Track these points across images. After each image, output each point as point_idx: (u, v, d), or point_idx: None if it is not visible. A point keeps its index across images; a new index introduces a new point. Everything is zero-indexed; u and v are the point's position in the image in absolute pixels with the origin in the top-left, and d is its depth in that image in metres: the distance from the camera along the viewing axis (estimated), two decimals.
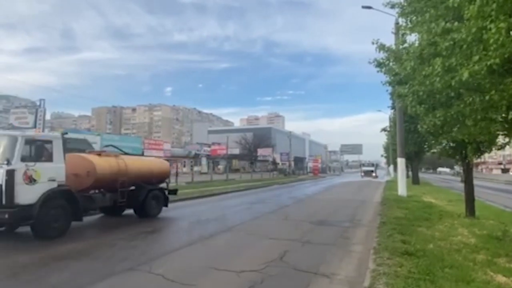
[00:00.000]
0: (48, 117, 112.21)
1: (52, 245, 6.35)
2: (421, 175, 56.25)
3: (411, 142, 25.43)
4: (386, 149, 52.77)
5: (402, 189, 16.40)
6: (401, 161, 16.75)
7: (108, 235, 7.66)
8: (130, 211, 9.93)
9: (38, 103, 14.89)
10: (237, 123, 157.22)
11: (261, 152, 59.62)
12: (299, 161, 78.01)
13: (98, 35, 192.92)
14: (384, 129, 35.45)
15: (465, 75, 4.20)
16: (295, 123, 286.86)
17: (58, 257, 5.65)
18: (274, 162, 64.45)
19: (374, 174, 47.82)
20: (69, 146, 15.68)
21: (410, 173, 34.29)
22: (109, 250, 6.20)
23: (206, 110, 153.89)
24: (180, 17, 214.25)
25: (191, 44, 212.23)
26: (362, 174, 49.27)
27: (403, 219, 9.19)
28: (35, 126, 14.14)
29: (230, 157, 51.05)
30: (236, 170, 39.15)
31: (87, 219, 8.44)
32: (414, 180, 31.11)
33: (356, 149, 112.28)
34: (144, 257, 5.69)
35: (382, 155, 68.88)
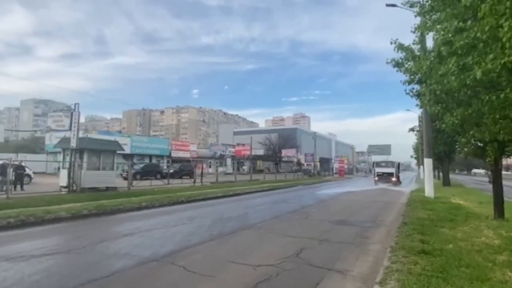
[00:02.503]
0: (82, 120, 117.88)
1: (106, 228, 6.88)
2: (454, 176, 53.13)
3: (440, 142, 24.58)
4: (416, 150, 50.64)
5: (429, 190, 15.98)
6: (428, 162, 16.31)
7: (131, 227, 8.14)
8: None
9: (73, 107, 15.87)
10: (262, 124, 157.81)
11: (285, 152, 59.54)
12: (325, 162, 77.01)
13: (129, 40, 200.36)
14: (412, 129, 34.36)
15: (478, 73, 4.20)
16: (322, 124, 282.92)
17: (112, 238, 6.15)
18: (298, 163, 64.12)
19: (394, 179, 30.49)
20: (102, 148, 16.67)
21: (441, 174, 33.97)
22: (134, 239, 6.65)
23: (232, 112, 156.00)
24: (207, 20, 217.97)
25: (218, 46, 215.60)
26: (376, 178, 31.41)
27: (426, 220, 9.05)
28: (70, 129, 15.06)
29: (254, 158, 51.44)
30: (260, 171, 39.34)
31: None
32: (445, 182, 29.99)
33: (384, 149, 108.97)
34: (167, 249, 6.06)
35: (412, 156, 66.57)
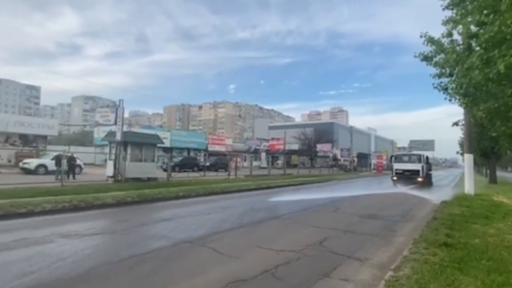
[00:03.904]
0: (126, 115, 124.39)
1: (146, 214, 7.65)
2: (505, 174, 49.02)
3: (486, 137, 23.14)
4: (462, 145, 47.80)
5: (469, 187, 15.29)
6: (468, 157, 15.59)
7: (169, 214, 8.84)
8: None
9: (118, 103, 17.12)
10: (298, 119, 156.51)
11: (320, 147, 58.91)
12: (363, 157, 75.00)
13: (169, 38, 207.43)
14: (456, 123, 32.57)
15: (501, 67, 4.20)
16: (361, 118, 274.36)
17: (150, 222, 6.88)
18: (335, 158, 63.13)
19: (420, 179, 21.10)
20: (144, 141, 17.82)
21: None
22: (171, 224, 7.30)
23: (268, 106, 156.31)
24: (243, 15, 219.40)
25: (254, 40, 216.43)
26: (394, 178, 22.19)
27: (458, 216, 8.85)
28: (115, 123, 16.28)
29: (289, 153, 51.52)
30: (295, 166, 39.42)
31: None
32: (491, 179, 28.26)
33: (427, 145, 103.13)
34: (200, 233, 6.63)
35: (457, 152, 62.91)
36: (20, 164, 20.69)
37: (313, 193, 16.31)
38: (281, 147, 44.95)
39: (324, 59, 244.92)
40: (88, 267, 4.52)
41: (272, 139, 51.72)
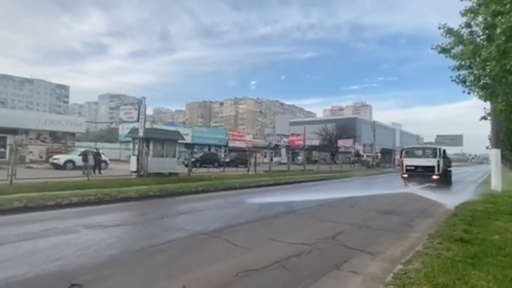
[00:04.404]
0: (151, 112, 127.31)
1: (166, 207, 7.97)
2: None
3: None
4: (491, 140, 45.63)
5: (496, 183, 14.74)
6: (495, 152, 15.00)
7: (187, 207, 9.12)
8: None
9: (141, 101, 17.68)
10: (320, 114, 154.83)
11: (341, 143, 58.13)
12: (387, 153, 73.30)
13: (190, 36, 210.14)
14: (484, 117, 31.17)
15: None
16: (385, 113, 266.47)
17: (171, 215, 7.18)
18: (357, 154, 62.11)
19: (435, 177, 17.53)
20: (165, 137, 18.32)
21: None
22: (189, 217, 7.56)
23: (289, 102, 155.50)
24: (264, 10, 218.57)
25: (275, 36, 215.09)
26: (405, 175, 18.60)
27: (480, 212, 8.61)
28: (138, 120, 16.83)
29: (309, 148, 51.19)
30: (315, 162, 39.15)
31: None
32: None
33: (455, 140, 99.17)
34: (215, 225, 6.83)
35: (487, 147, 60.32)
36: (50, 159, 21.81)
37: (331, 188, 16.24)
38: (301, 142, 44.71)
39: (346, 52, 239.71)
40: (109, 255, 4.81)
41: (292, 134, 51.49)
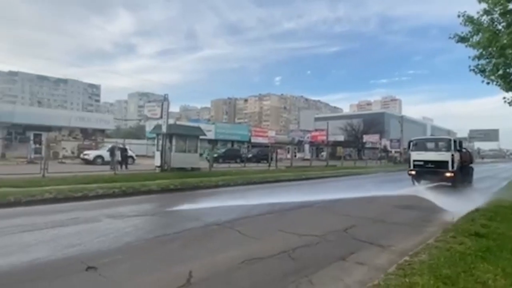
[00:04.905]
0: (177, 109, 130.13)
1: (185, 200, 8.29)
2: None
3: None
4: None
5: None
6: None
7: (205, 200, 9.36)
8: None
9: (164, 98, 18.21)
10: (346, 110, 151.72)
11: (367, 138, 56.76)
12: None
13: (215, 33, 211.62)
14: None
15: None
16: (415, 107, 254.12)
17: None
18: (384, 150, 60.44)
19: (448, 174, 14.20)
20: (188, 133, 18.78)
21: None
22: (206, 210, 7.79)
23: (314, 97, 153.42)
24: (289, 5, 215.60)
25: (300, 30, 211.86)
26: (412, 171, 15.45)
27: (505, 208, 8.22)
28: (161, 117, 17.36)
29: (334, 144, 50.48)
30: (339, 157, 38.58)
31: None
32: None
33: (490, 135, 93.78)
34: (229, 217, 7.01)
35: None
36: (81, 155, 22.97)
37: (352, 184, 16.02)
38: (324, 138, 44.15)
39: (375, 46, 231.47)
40: (126, 242, 5.10)
41: (316, 130, 50.92)
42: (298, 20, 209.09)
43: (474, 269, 3.76)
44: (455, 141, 14.80)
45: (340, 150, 48.93)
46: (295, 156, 41.52)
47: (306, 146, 46.90)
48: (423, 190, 12.79)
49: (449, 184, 14.52)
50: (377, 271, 4.05)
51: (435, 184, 14.62)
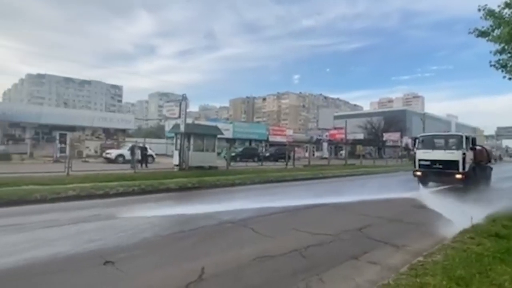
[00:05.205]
0: (196, 109, 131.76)
1: (200, 197, 8.46)
2: None
3: None
4: None
5: None
6: None
7: (220, 198, 9.48)
8: None
9: (184, 98, 18.53)
10: (367, 107, 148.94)
11: (387, 136, 55.54)
12: None
13: (234, 32, 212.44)
14: None
15: None
16: (439, 104, 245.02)
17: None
18: (406, 148, 58.94)
19: (459, 175, 12.38)
20: (205, 132, 19.03)
21: None
22: (220, 208, 7.90)
23: (333, 95, 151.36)
24: (307, 3, 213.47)
25: (319, 28, 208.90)
26: (418, 172, 13.69)
27: None
28: (179, 117, 17.67)
29: (354, 142, 49.68)
30: (359, 156, 37.96)
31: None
32: None
33: None
34: (244, 215, 7.08)
35: None
36: (103, 154, 23.72)
37: (369, 183, 15.77)
38: (342, 136, 43.54)
39: (396, 41, 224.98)
40: (143, 238, 5.27)
41: (335, 128, 50.26)
42: (317, 17, 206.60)
43: (490, 270, 3.66)
44: (467, 138, 12.93)
45: (359, 148, 48.16)
46: (314, 155, 41.19)
47: (325, 145, 46.39)
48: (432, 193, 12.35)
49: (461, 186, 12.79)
50: (390, 270, 4.01)
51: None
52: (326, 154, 41.96)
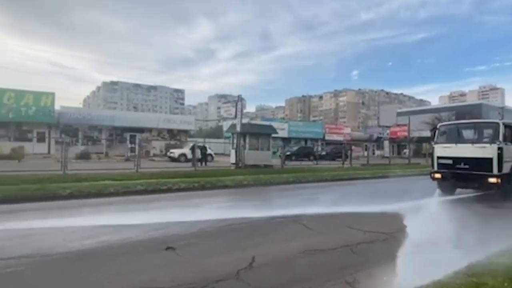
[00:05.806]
0: (253, 109, 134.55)
1: (254, 194, 8.84)
2: None
3: None
4: None
5: None
6: None
7: (273, 195, 9.68)
8: None
9: (241, 99, 19.19)
10: (435, 102, 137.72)
11: None
12: None
13: (289, 31, 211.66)
14: None
15: None
16: None
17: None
18: None
19: (492, 179, 8.63)
20: (260, 131, 19.46)
21: None
22: (272, 204, 8.13)
23: (396, 91, 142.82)
24: None
25: (379, 20, 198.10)
26: (437, 174, 9.90)
27: None
28: (235, 117, 18.33)
29: (419, 141, 46.39)
30: (425, 155, 35.35)
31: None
32: None
33: None
34: (296, 211, 7.19)
35: None
36: (168, 153, 25.58)
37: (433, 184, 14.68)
38: (405, 134, 40.91)
39: (469, 29, 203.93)
40: (200, 228, 5.70)
41: (397, 125, 47.47)
42: (376, 9, 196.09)
43: None
44: (506, 126, 9.15)
45: (426, 147, 44.82)
46: (373, 153, 39.45)
47: (386, 143, 44.14)
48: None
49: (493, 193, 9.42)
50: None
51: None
52: (387, 153, 39.88)
